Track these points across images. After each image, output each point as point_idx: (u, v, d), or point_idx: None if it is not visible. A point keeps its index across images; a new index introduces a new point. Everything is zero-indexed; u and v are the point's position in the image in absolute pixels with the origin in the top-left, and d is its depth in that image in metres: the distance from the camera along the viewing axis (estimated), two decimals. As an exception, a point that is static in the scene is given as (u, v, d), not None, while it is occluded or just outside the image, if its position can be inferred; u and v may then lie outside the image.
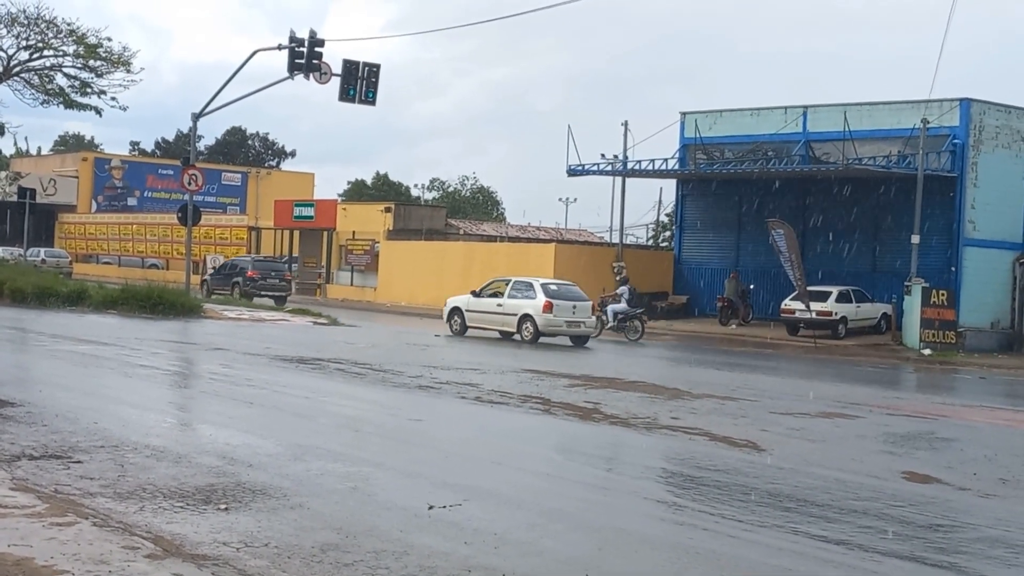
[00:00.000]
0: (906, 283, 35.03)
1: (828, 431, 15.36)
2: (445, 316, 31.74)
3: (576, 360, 25.14)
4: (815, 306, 35.77)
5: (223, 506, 8.86)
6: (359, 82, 33.56)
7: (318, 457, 11.18)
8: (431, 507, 9.11)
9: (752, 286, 42.00)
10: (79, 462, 10.28)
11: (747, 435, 14.12)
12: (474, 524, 8.72)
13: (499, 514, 9.28)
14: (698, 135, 42.74)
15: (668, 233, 59.52)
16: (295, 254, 54.38)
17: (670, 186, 50.27)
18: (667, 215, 59.95)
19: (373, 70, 33.76)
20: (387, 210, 51.56)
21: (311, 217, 53.55)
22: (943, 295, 34.91)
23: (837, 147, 37.63)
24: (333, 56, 34.26)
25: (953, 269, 37.39)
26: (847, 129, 36.24)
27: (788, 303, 36.92)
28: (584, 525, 9.23)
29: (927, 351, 33.33)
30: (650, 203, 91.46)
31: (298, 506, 9.04)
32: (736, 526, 9.16)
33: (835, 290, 36.95)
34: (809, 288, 36.09)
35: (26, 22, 44.05)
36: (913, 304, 34.58)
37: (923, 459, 13.38)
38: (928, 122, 35.33)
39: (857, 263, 40.52)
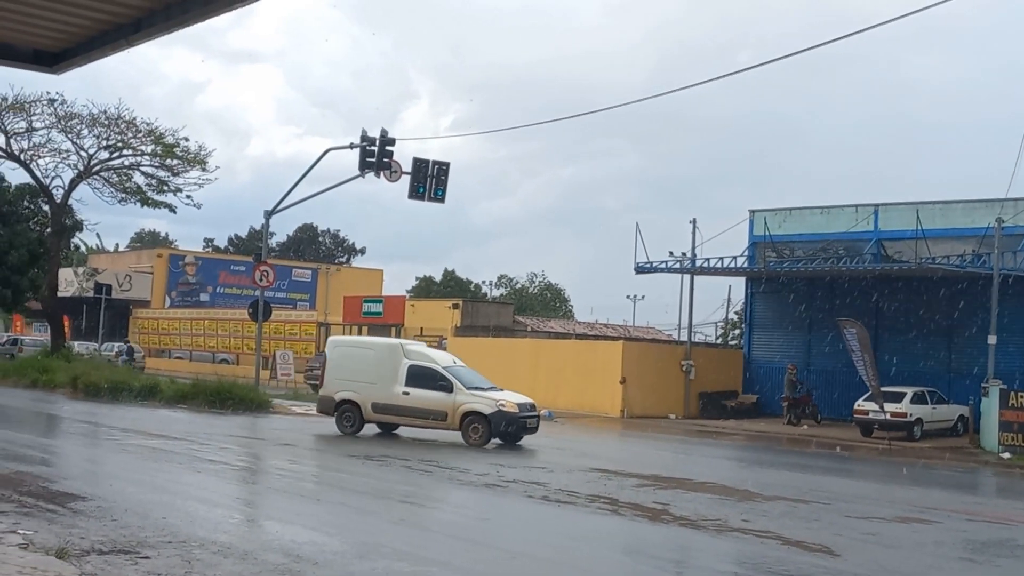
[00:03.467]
0: (983, 384, 34.25)
1: (904, 536, 14.94)
2: None
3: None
4: (889, 407, 35.06)
5: (288, 605, 8.79)
6: (428, 180, 33.94)
7: (383, 556, 11.09)
8: (497, 610, 8.95)
9: (801, 383, 41.35)
10: (147, 557, 10.28)
11: (821, 539, 13.78)
12: (541, 628, 8.55)
13: (567, 618, 9.09)
14: (767, 233, 42.53)
15: (737, 331, 59.06)
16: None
17: (739, 284, 50.00)
18: (736, 313, 59.55)
19: (442, 168, 34.16)
20: (455, 307, 51.79)
21: (380, 313, 53.87)
22: (1022, 397, 34.09)
23: (910, 246, 37.22)
24: (403, 155, 34.67)
25: (1031, 370, 36.56)
26: (920, 228, 35.87)
27: (861, 404, 36.23)
28: (654, 631, 9.02)
29: (1006, 455, 32.44)
30: (719, 301, 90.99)
31: (363, 606, 8.94)
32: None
33: (910, 391, 36.23)
34: (883, 388, 35.43)
35: (107, 123, 45.36)
36: (991, 406, 33.76)
37: (1005, 568, 12.96)
38: (1003, 221, 34.85)
39: (932, 363, 39.78)
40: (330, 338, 29.68)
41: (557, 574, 11.06)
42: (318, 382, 29.20)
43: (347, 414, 26.23)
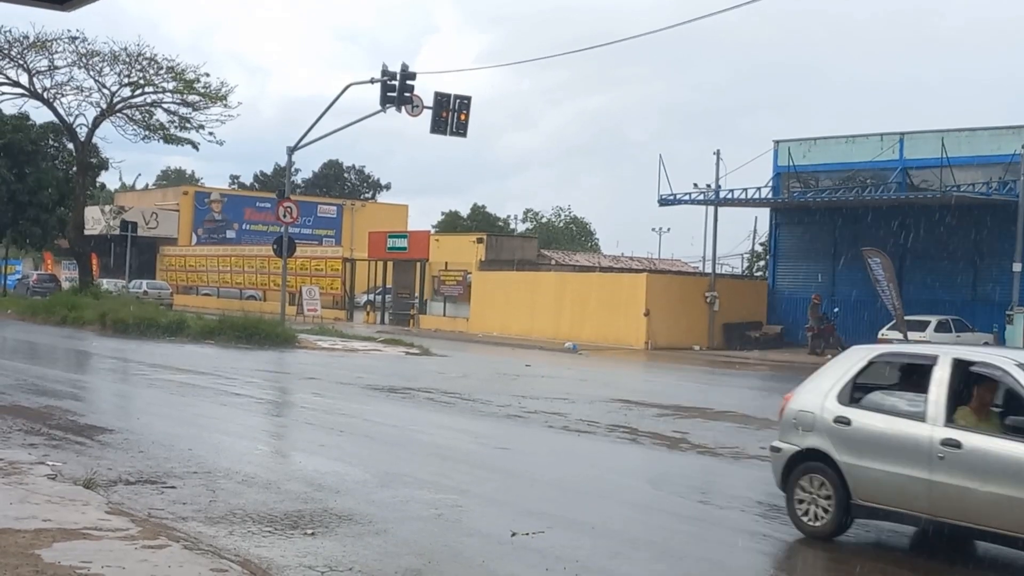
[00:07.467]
0: (1007, 312, 34.21)
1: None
2: None
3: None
4: (913, 336, 35.05)
5: (310, 531, 9.01)
6: (450, 114, 33.86)
7: (405, 484, 11.30)
8: (514, 534, 9.15)
9: (837, 310, 41.48)
10: (173, 487, 10.53)
11: (838, 466, 13.90)
12: (556, 551, 8.74)
13: (582, 542, 9.28)
14: (792, 163, 42.34)
15: (763, 263, 58.99)
16: (389, 284, 54.91)
17: (764, 215, 49.91)
18: (761, 244, 59.42)
19: (464, 102, 34.05)
20: (479, 241, 51.83)
21: (404, 248, 54.03)
22: (1047, 324, 34.01)
23: (935, 174, 36.99)
24: (426, 89, 34.58)
25: (1057, 297, 36.45)
26: (945, 156, 35.62)
27: (885, 332, 36.21)
28: (668, 554, 9.20)
29: (1030, 381, 32.47)
30: (745, 232, 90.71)
31: (383, 532, 9.15)
32: (828, 556, 9.04)
33: (934, 319, 36.19)
34: (907, 317, 35.42)
35: (128, 60, 45.37)
36: (1015, 333, 33.73)
37: None
38: (1029, 147, 34.59)
39: (956, 292, 39.69)
40: None
41: (576, 501, 11.24)
42: None
43: None
